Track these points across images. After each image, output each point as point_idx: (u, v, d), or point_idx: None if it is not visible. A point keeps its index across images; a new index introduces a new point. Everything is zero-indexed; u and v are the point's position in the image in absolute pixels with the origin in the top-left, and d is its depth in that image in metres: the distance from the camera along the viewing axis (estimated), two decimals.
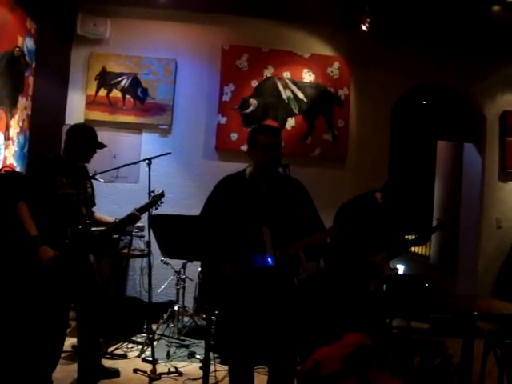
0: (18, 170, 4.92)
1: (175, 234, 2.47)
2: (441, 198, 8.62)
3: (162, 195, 3.95)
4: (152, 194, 3.93)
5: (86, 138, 3.56)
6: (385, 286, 4.55)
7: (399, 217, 3.95)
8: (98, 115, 5.70)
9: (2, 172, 4.28)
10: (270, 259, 2.43)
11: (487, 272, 6.32)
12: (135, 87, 5.77)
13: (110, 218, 3.80)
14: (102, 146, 3.65)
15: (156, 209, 3.90)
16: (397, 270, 4.42)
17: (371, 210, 3.83)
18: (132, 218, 3.72)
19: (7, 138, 4.71)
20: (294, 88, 5.93)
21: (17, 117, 4.91)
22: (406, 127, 7.47)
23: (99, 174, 3.94)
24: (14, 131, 4.86)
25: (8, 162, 4.74)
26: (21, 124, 5.05)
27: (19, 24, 4.83)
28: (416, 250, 9.13)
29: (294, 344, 3.00)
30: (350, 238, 3.56)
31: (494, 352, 3.54)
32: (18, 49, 4.80)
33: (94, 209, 3.83)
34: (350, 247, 3.69)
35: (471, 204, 6.70)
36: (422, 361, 2.54)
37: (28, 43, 5.06)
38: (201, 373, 2.69)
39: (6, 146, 4.70)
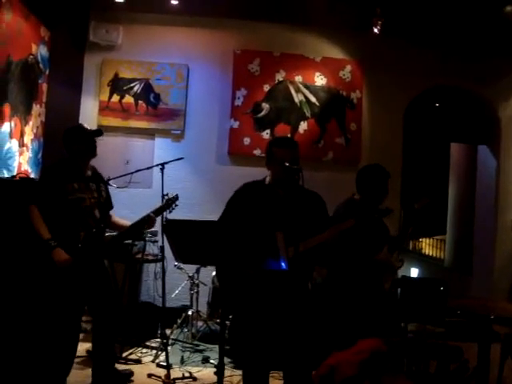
0: (32, 176, 4.97)
1: (189, 239, 2.47)
2: (455, 201, 8.56)
3: (176, 198, 3.96)
4: (166, 198, 3.93)
5: (79, 133, 3.59)
6: (399, 289, 4.53)
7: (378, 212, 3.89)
8: (110, 121, 5.73)
9: (17, 178, 4.32)
10: (283, 264, 2.42)
11: (503, 274, 6.25)
12: (147, 93, 5.79)
13: (126, 222, 3.81)
14: (97, 132, 3.65)
15: (170, 212, 3.91)
16: (403, 260, 4.38)
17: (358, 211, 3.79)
18: (148, 219, 3.73)
19: (22, 144, 4.75)
20: (306, 92, 5.93)
21: (31, 123, 4.96)
22: (419, 130, 7.44)
23: (112, 179, 3.95)
24: (28, 138, 4.91)
25: (23, 169, 4.78)
26: (35, 131, 5.09)
27: (33, 32, 4.88)
28: (430, 253, 9.07)
29: (308, 348, 2.99)
30: (352, 240, 3.52)
31: None
32: (32, 56, 4.85)
33: (111, 212, 3.85)
34: (354, 250, 3.64)
35: (486, 206, 6.64)
36: (438, 366, 2.52)
37: (42, 51, 5.11)
38: (215, 378, 2.70)
39: (21, 153, 4.74)
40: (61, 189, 3.42)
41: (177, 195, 3.98)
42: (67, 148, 3.60)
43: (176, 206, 3.96)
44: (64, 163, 3.57)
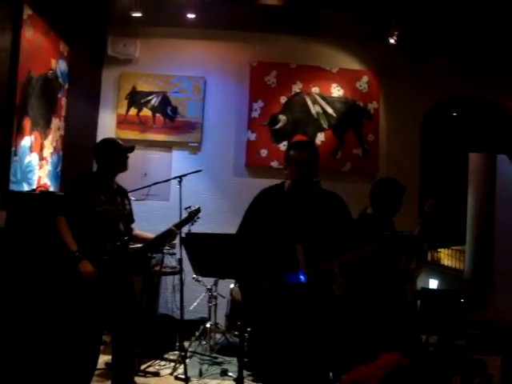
0: (51, 189, 5.02)
1: (208, 253, 2.47)
2: (474, 210, 8.47)
3: (198, 211, 3.95)
4: (188, 210, 3.93)
5: (110, 148, 3.62)
6: (419, 301, 4.48)
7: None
8: (128, 134, 5.77)
9: (37, 192, 4.36)
10: (302, 277, 2.41)
11: None
12: (165, 106, 5.83)
13: (149, 235, 3.82)
14: (129, 148, 3.70)
15: (192, 224, 3.92)
16: (422, 268, 4.34)
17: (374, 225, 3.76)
18: (169, 233, 3.74)
19: (41, 158, 4.81)
20: (323, 103, 5.92)
21: (50, 137, 5.03)
22: (436, 140, 7.39)
23: (130, 192, 3.97)
24: (47, 151, 4.97)
25: (42, 182, 4.84)
26: (54, 144, 5.16)
27: (53, 47, 4.96)
28: (449, 264, 8.97)
29: (326, 362, 2.96)
30: (372, 257, 3.49)
31: None
32: (51, 71, 4.92)
33: (133, 226, 3.87)
34: (373, 265, 3.61)
35: (506, 216, 6.56)
36: (462, 380, 2.48)
37: (61, 65, 5.19)
38: None
39: (41, 166, 4.80)
40: (88, 200, 3.44)
41: (199, 208, 3.97)
42: (100, 158, 3.62)
43: (198, 218, 3.96)
44: (91, 175, 3.64)
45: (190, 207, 3.95)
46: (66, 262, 3.34)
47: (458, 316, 4.19)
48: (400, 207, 3.84)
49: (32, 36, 4.38)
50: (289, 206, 2.97)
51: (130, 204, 3.81)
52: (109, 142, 3.70)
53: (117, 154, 3.61)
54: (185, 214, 3.92)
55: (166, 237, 3.75)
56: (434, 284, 7.11)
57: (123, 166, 3.66)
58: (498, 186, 6.97)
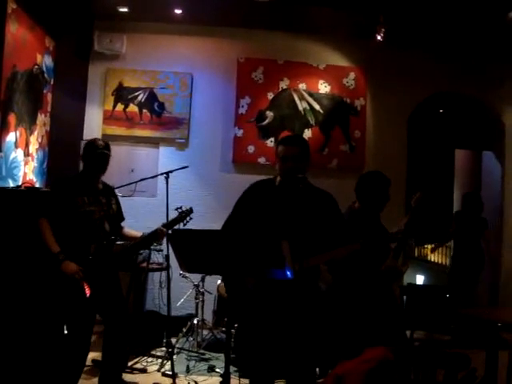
0: (37, 185, 4.98)
1: (194, 249, 2.47)
2: (460, 207, 8.53)
3: (190, 211, 3.88)
4: (179, 210, 3.87)
5: (91, 146, 3.60)
6: (405, 297, 4.51)
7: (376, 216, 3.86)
8: (115, 130, 5.75)
9: (23, 188, 4.33)
10: (288, 272, 2.41)
11: (509, 281, 6.22)
12: (152, 101, 5.81)
13: (137, 233, 3.82)
14: (103, 145, 3.63)
15: (184, 225, 3.83)
16: (407, 264, 4.36)
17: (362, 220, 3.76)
18: (158, 233, 3.72)
19: (27, 154, 4.78)
20: (310, 99, 5.94)
21: (36, 133, 4.99)
22: (423, 136, 7.44)
23: (117, 188, 3.96)
24: (33, 147, 4.93)
25: (28, 178, 4.80)
26: (40, 140, 5.12)
27: (38, 42, 4.92)
28: (435, 260, 9.03)
29: (312, 357, 2.97)
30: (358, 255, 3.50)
31: None
32: (37, 66, 4.88)
33: (123, 224, 3.85)
34: (359, 262, 3.62)
35: (491, 212, 6.61)
36: (446, 374, 2.50)
37: (46, 61, 5.15)
38: None
39: (26, 162, 4.76)
40: (71, 202, 3.43)
41: (191, 208, 3.89)
42: (83, 160, 3.62)
43: (191, 219, 3.87)
44: (75, 176, 3.61)
45: (181, 207, 3.87)
46: (50, 261, 3.33)
47: (444, 311, 4.23)
48: (387, 200, 3.83)
49: (16, 30, 4.34)
50: (277, 201, 2.96)
51: (117, 203, 3.79)
52: (87, 144, 3.67)
53: (89, 158, 3.59)
54: (175, 214, 3.88)
55: (155, 237, 3.73)
56: (420, 280, 7.16)
57: (100, 168, 3.61)
58: (484, 182, 7.03)
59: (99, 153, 3.59)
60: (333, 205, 3.06)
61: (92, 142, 3.69)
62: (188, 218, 3.87)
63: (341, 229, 3.02)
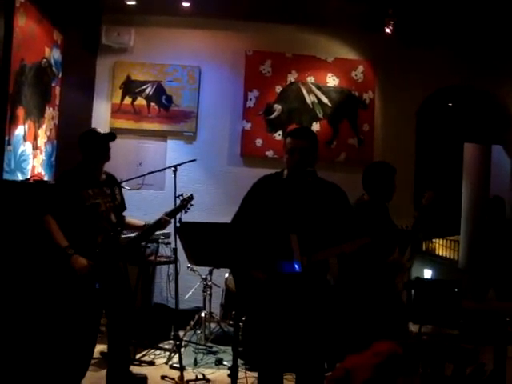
0: (45, 178, 5.00)
1: (202, 242, 2.47)
2: (468, 201, 8.47)
3: (190, 198, 3.93)
4: (180, 198, 3.91)
5: (89, 140, 3.58)
6: (413, 291, 4.50)
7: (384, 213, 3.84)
8: (123, 123, 5.75)
9: (31, 181, 4.34)
10: (296, 266, 2.41)
11: None
12: (160, 95, 5.80)
13: (140, 222, 3.86)
14: (110, 136, 3.66)
15: (186, 212, 3.89)
16: (413, 259, 4.36)
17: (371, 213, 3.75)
18: (161, 222, 3.75)
19: (35, 147, 4.79)
20: (318, 93, 5.91)
21: (44, 126, 5.00)
22: (431, 130, 7.39)
23: (125, 181, 3.96)
24: (41, 141, 4.94)
25: (36, 171, 4.81)
26: (48, 133, 5.13)
27: (46, 35, 4.91)
28: (443, 254, 9.00)
29: (320, 350, 2.97)
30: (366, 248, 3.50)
31: None
32: (45, 60, 4.88)
33: (124, 213, 3.86)
34: (366, 254, 3.62)
35: None
36: (455, 369, 2.49)
37: (55, 54, 5.15)
38: (228, 380, 2.69)
39: (35, 156, 4.77)
40: (76, 196, 3.43)
41: (192, 195, 3.95)
42: (83, 150, 3.60)
43: (192, 205, 3.94)
44: (78, 169, 3.57)
45: (182, 195, 3.92)
46: (59, 256, 3.34)
47: (452, 305, 4.21)
48: (394, 190, 3.83)
49: (25, 24, 4.34)
50: (285, 195, 2.96)
51: (120, 193, 3.80)
52: (87, 133, 3.66)
53: (92, 147, 3.57)
54: (178, 202, 3.91)
55: (159, 226, 3.76)
56: (428, 274, 7.13)
57: (103, 158, 3.62)
58: (493, 176, 6.97)
59: (100, 137, 3.59)
60: (342, 197, 3.04)
61: (91, 131, 3.70)
62: (189, 205, 3.91)
63: (349, 221, 3.01)
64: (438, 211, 5.81)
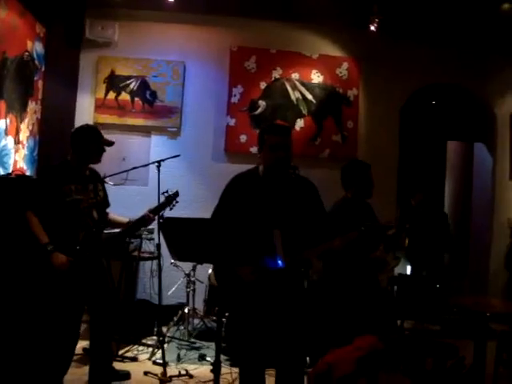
0: (28, 173, 4.95)
1: (185, 237, 2.46)
2: (451, 199, 8.57)
3: (176, 195, 3.87)
4: (165, 195, 3.85)
5: (92, 137, 3.53)
6: (395, 287, 4.54)
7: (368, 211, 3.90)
8: (107, 118, 5.71)
9: (13, 176, 4.30)
10: (280, 261, 2.41)
11: (498, 273, 6.26)
12: (144, 90, 5.77)
13: (123, 219, 3.79)
14: (109, 143, 3.63)
15: (171, 209, 3.83)
16: (399, 258, 4.40)
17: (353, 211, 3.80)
18: (145, 219, 3.71)
19: (17, 141, 4.74)
20: (303, 89, 5.92)
21: (27, 121, 4.95)
22: (415, 127, 7.44)
23: (108, 176, 3.92)
24: (24, 135, 4.89)
25: (18, 166, 4.77)
26: (30, 128, 5.08)
27: (28, 28, 4.86)
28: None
29: (302, 346, 2.98)
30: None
31: (507, 353, 3.51)
32: (27, 53, 4.83)
33: (108, 210, 3.83)
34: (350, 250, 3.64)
35: (482, 204, 6.65)
36: (435, 363, 2.52)
37: (37, 47, 5.10)
38: (211, 375, 2.68)
39: (17, 150, 4.72)
40: (58, 191, 3.38)
41: (177, 191, 3.88)
42: (79, 146, 3.50)
43: (177, 202, 3.86)
44: (62, 164, 3.51)
45: (167, 191, 3.86)
46: (39, 252, 3.30)
47: (434, 301, 4.26)
48: (372, 185, 3.91)
49: (6, 16, 4.28)
50: (264, 192, 2.95)
51: (103, 189, 3.75)
52: (91, 130, 3.58)
53: (97, 144, 3.54)
54: (162, 199, 3.87)
55: (143, 223, 3.72)
56: (410, 270, 7.20)
57: (98, 158, 3.59)
58: (475, 174, 7.05)
59: (103, 142, 3.56)
60: (315, 193, 3.05)
61: (94, 129, 3.62)
62: (174, 202, 3.85)
63: (325, 218, 3.03)
64: (421, 207, 5.88)
